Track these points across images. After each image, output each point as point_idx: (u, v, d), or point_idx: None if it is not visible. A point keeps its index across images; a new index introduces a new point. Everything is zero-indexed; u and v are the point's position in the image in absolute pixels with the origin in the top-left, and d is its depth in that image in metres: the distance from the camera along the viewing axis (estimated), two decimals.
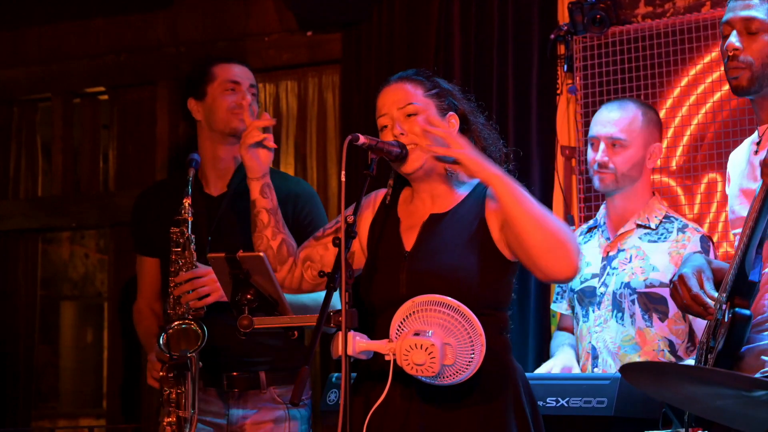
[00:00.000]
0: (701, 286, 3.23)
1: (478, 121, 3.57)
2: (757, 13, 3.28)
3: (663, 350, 4.12)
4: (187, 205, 4.18)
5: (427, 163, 3.41)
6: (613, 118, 4.29)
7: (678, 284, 3.25)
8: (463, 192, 3.48)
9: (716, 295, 3.19)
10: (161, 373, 4.12)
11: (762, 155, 3.14)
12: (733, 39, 3.31)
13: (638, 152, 4.26)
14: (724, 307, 3.17)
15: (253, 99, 4.41)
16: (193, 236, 4.17)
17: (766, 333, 3.20)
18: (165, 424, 4.13)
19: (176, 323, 4.12)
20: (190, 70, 4.66)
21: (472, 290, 3.30)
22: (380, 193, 3.61)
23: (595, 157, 4.28)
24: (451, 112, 3.50)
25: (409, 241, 3.44)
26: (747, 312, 3.13)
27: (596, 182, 4.31)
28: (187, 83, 4.58)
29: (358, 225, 3.46)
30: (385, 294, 3.36)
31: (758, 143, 3.41)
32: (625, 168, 4.24)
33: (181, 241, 4.18)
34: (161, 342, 4.09)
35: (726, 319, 3.14)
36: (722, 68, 4.99)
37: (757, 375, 3.09)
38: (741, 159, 3.53)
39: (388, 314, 3.25)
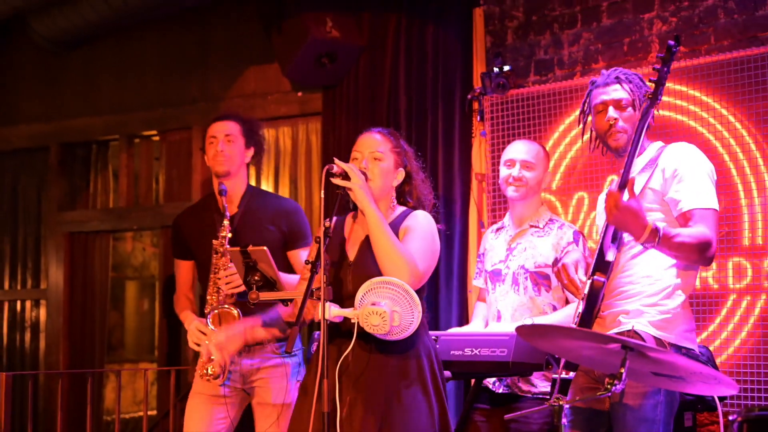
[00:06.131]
0: (576, 273, 3.25)
1: (419, 177, 3.51)
2: (623, 93, 3.32)
3: (548, 312, 4.10)
4: (226, 223, 4.08)
5: (373, 195, 3.36)
6: (526, 148, 4.23)
7: (561, 270, 3.28)
8: (393, 216, 3.42)
9: (585, 279, 3.21)
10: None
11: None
12: (612, 113, 3.31)
13: (540, 174, 4.21)
14: (586, 282, 3.19)
15: (229, 144, 4.21)
16: (228, 248, 4.04)
17: (620, 301, 3.21)
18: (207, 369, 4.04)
19: (221, 308, 4.03)
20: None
21: None
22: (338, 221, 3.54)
23: (511, 173, 4.20)
24: (401, 168, 3.45)
25: (352, 253, 3.39)
26: (602, 279, 3.16)
27: (511, 191, 4.18)
28: None
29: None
30: (338, 291, 3.32)
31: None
32: (534, 182, 4.19)
33: (220, 250, 4.07)
34: (209, 320, 4.02)
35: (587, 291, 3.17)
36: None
37: (611, 332, 3.10)
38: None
39: (341, 304, 3.22)
